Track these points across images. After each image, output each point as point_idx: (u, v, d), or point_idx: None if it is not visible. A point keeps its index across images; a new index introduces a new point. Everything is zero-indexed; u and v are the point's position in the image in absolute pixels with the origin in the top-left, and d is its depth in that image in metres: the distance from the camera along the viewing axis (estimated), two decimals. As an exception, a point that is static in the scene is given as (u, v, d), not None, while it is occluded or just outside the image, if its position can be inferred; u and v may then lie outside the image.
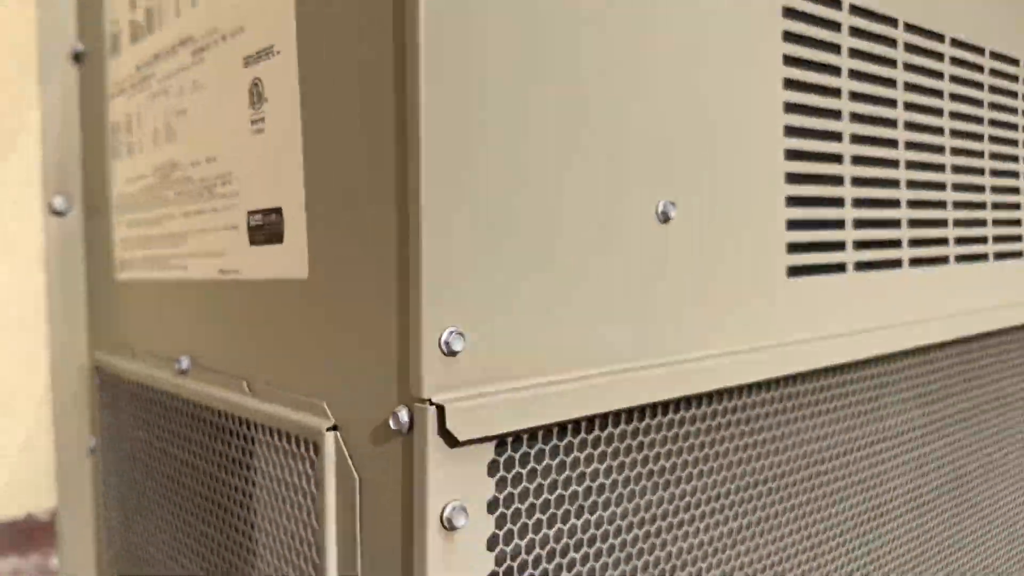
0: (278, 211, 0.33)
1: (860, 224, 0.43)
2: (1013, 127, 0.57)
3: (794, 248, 0.39)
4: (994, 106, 0.54)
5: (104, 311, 0.51)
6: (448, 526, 0.26)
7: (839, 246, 0.42)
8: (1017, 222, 0.58)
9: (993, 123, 0.55)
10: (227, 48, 0.36)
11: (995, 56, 0.54)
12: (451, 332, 0.26)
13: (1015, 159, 0.58)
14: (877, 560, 0.47)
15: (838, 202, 0.42)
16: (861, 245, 0.43)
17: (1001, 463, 0.60)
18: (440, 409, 0.26)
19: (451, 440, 0.26)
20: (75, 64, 0.52)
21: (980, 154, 0.53)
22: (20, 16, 0.51)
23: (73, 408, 0.52)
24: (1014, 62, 0.57)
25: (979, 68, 0.53)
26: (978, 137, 0.53)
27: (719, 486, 0.36)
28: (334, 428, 0.30)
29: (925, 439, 0.51)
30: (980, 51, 0.53)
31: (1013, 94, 0.57)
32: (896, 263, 0.46)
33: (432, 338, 0.26)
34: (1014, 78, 0.57)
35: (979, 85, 0.53)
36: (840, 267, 0.42)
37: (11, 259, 0.51)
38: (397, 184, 0.27)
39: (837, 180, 0.41)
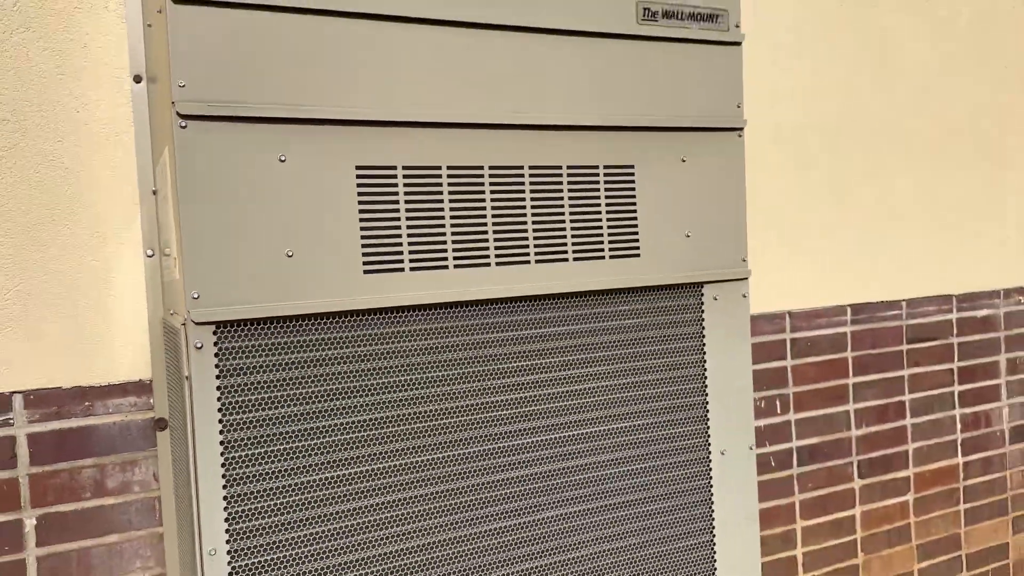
0: (178, 260, 1.01)
1: (412, 255, 1.03)
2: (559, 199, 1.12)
3: (368, 262, 1.00)
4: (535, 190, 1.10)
5: (163, 298, 1.22)
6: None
7: (399, 262, 1.02)
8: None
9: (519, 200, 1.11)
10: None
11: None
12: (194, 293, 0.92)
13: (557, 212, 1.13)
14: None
15: (397, 246, 1.02)
16: (414, 260, 1.03)
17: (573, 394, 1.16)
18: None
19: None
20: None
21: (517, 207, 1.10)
22: (121, 143, 1.23)
23: (157, 336, 1.24)
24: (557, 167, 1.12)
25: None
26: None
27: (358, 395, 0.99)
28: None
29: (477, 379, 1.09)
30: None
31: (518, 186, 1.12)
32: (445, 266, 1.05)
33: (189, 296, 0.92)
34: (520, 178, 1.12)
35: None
36: (400, 268, 1.02)
37: (132, 277, 1.24)
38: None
39: (396, 237, 1.02)
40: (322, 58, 0.97)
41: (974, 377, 2.11)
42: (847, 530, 1.92)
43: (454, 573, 1.08)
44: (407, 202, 1.03)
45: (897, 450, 1.99)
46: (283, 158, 0.96)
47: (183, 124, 0.91)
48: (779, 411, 1.81)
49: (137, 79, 1.22)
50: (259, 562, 0.97)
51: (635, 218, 1.19)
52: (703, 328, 1.26)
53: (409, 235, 1.03)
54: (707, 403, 1.27)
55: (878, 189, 1.94)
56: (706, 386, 1.27)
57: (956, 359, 2.08)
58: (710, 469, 1.27)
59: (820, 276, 1.87)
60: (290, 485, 0.98)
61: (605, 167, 1.16)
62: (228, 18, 0.93)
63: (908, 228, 1.99)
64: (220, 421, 0.94)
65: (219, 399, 0.94)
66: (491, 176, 1.08)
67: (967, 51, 2.06)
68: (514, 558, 1.12)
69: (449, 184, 1.05)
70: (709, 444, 1.27)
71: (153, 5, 1.06)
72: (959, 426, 2.09)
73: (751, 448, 1.30)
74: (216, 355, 0.94)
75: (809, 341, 1.85)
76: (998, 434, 2.15)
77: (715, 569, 1.28)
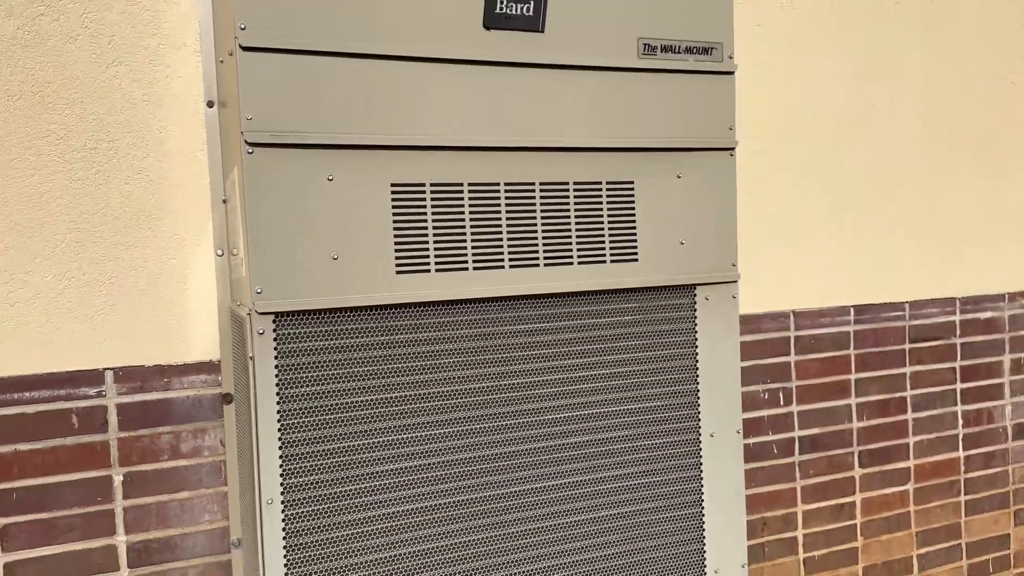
0: (244, 261, 1.22)
1: (437, 258, 1.22)
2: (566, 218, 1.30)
3: (399, 264, 1.19)
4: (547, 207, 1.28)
5: (230, 291, 1.43)
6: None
7: (426, 264, 1.21)
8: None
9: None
10: (237, 212, 1.25)
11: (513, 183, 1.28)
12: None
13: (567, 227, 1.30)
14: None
15: (424, 253, 1.21)
16: (439, 263, 1.22)
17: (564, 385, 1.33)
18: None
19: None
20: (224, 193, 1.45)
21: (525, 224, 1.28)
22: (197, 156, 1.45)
23: (225, 323, 1.46)
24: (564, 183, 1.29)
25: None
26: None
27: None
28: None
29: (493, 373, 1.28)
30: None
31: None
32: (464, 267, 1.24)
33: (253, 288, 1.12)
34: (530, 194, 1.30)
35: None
36: (427, 270, 1.21)
37: (205, 273, 1.46)
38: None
39: (423, 243, 1.21)
40: (362, 94, 1.17)
41: (976, 376, 2.22)
42: (847, 515, 2.06)
43: (470, 528, 1.27)
44: (433, 214, 1.22)
45: (898, 442, 2.12)
46: (331, 178, 1.16)
47: (250, 150, 1.12)
48: (782, 403, 1.96)
49: (210, 104, 1.44)
50: (307, 511, 1.17)
51: (634, 227, 1.36)
52: (695, 325, 1.43)
53: (435, 241, 1.22)
54: (698, 391, 1.43)
55: (882, 197, 2.07)
56: (698, 376, 1.43)
57: (959, 358, 2.20)
58: (700, 449, 1.44)
59: (825, 279, 2.01)
60: (334, 448, 1.18)
61: (608, 183, 1.34)
62: (286, 62, 1.13)
63: (912, 234, 2.12)
64: (277, 394, 1.15)
65: (276, 376, 1.15)
66: (506, 191, 1.27)
67: (971, 60, 2.18)
68: (527, 518, 1.31)
69: (470, 198, 1.24)
70: (700, 427, 1.44)
71: (225, 47, 1.27)
72: (960, 422, 2.21)
73: (738, 432, 1.47)
74: (275, 340, 1.14)
75: (812, 339, 1.99)
76: (1000, 430, 2.27)
77: (704, 537, 1.45)
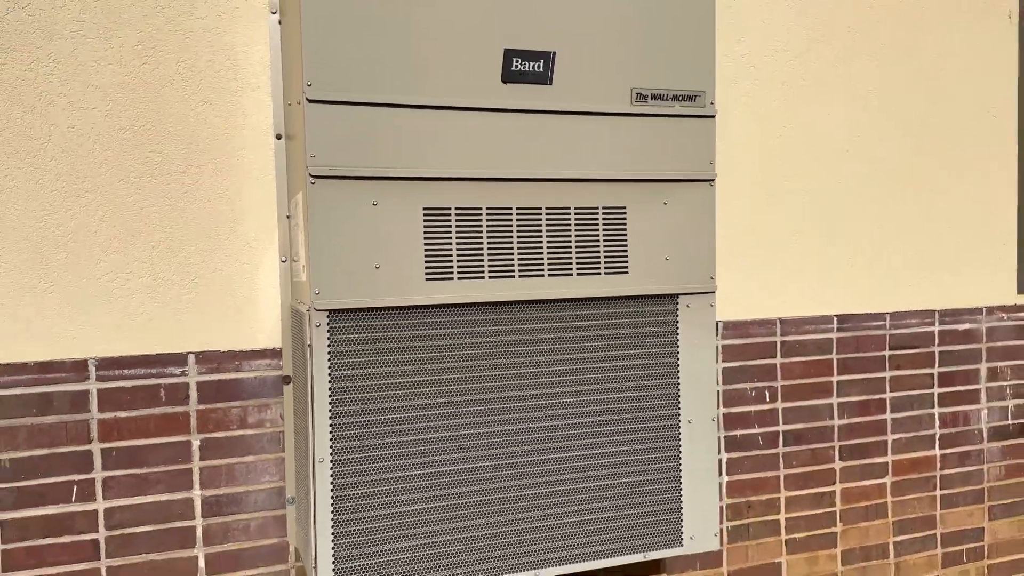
0: (304, 267, 1.51)
1: (460, 269, 1.50)
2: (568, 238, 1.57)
3: (428, 273, 1.48)
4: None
5: (291, 291, 1.73)
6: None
7: (450, 273, 1.49)
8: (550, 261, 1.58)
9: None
10: (299, 228, 1.55)
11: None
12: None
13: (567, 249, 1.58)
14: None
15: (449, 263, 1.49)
16: (460, 272, 1.50)
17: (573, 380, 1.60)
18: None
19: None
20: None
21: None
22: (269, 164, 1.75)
23: (286, 317, 1.76)
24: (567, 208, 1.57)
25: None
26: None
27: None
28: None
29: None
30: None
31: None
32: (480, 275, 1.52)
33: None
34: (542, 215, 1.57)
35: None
36: (451, 278, 1.49)
37: (270, 276, 1.76)
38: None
39: (448, 256, 1.49)
40: (402, 136, 1.46)
41: (954, 382, 2.45)
42: (827, 502, 2.30)
43: (484, 490, 1.55)
44: (457, 232, 1.50)
45: (877, 439, 2.35)
46: (375, 203, 1.45)
47: (313, 181, 1.41)
48: (768, 400, 2.21)
49: (278, 136, 1.74)
50: (351, 469, 1.46)
51: (625, 245, 1.63)
52: (677, 329, 1.69)
53: (458, 255, 1.50)
54: (679, 384, 1.70)
55: (867, 219, 2.30)
56: (678, 372, 1.70)
57: (937, 365, 2.42)
58: (680, 434, 1.71)
59: (810, 290, 2.25)
60: (373, 420, 1.47)
61: (603, 208, 1.61)
62: (342, 111, 1.42)
63: (895, 252, 2.35)
64: (329, 375, 1.44)
65: (329, 360, 1.44)
66: (517, 214, 1.55)
67: (958, 97, 2.40)
68: (534, 483, 1.58)
69: (487, 220, 1.52)
70: (679, 415, 1.71)
71: (292, 94, 1.57)
72: (938, 423, 2.43)
73: (713, 420, 1.73)
74: (328, 331, 1.44)
75: (797, 343, 2.24)
76: (976, 432, 2.49)
77: (681, 508, 1.71)
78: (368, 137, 1.44)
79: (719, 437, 2.16)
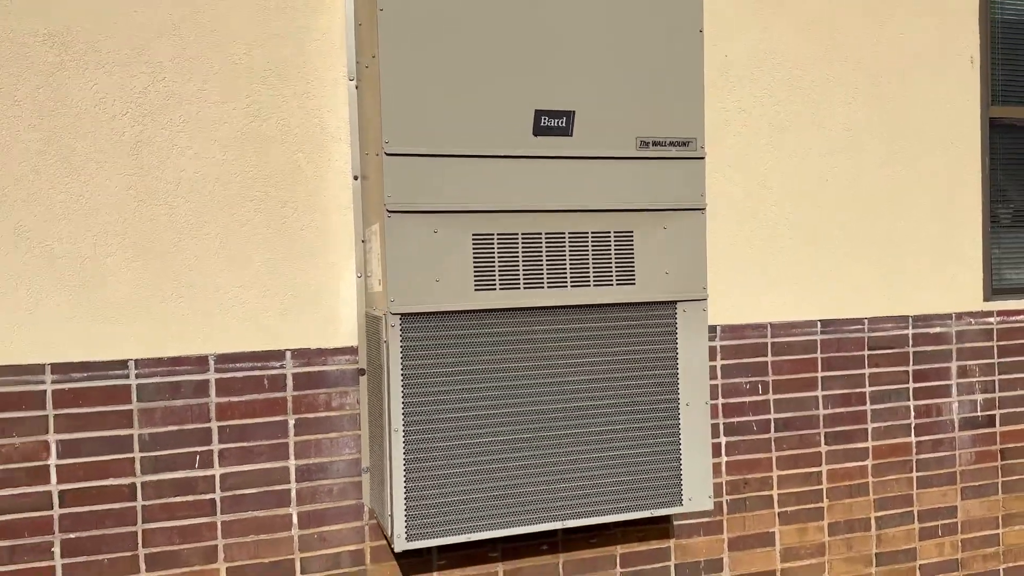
0: (381, 281, 1.95)
1: (500, 282, 1.93)
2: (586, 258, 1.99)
3: (476, 285, 1.91)
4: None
5: (365, 300, 2.17)
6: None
7: (493, 285, 1.92)
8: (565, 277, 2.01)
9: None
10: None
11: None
12: (392, 301, 1.86)
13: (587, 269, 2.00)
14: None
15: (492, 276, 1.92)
16: (501, 284, 1.93)
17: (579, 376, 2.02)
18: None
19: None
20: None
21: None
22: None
23: (362, 322, 2.19)
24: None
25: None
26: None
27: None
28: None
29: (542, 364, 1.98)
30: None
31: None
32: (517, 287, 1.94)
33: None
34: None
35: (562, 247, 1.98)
36: (493, 288, 1.92)
37: (350, 288, 2.20)
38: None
39: (491, 271, 1.92)
40: (458, 178, 1.89)
41: (927, 378, 2.82)
42: (815, 481, 2.68)
43: (527, 455, 1.97)
44: (498, 253, 1.93)
45: (858, 427, 2.73)
46: (436, 231, 1.88)
47: (389, 215, 1.85)
48: (761, 392, 2.60)
49: (356, 178, 2.19)
50: (419, 438, 1.89)
51: (632, 262, 2.05)
52: (676, 329, 2.10)
53: (499, 270, 1.93)
54: (677, 374, 2.10)
55: (847, 236, 2.69)
56: (677, 363, 2.10)
57: (911, 364, 2.80)
58: (679, 413, 2.11)
59: (796, 298, 2.64)
60: (435, 399, 1.90)
61: (615, 232, 2.03)
62: (411, 160, 1.86)
63: (872, 265, 2.73)
64: (401, 364, 1.88)
65: (401, 354, 1.88)
66: (546, 238, 1.97)
67: (924, 131, 2.79)
68: (565, 451, 2.00)
69: (522, 243, 1.95)
70: (678, 398, 2.11)
71: (371, 148, 2.01)
72: (913, 414, 2.80)
73: (706, 403, 2.13)
74: (400, 330, 1.87)
75: (786, 344, 2.63)
76: (948, 422, 2.85)
77: (681, 474, 2.11)
78: (430, 180, 1.88)
79: (719, 424, 2.56)
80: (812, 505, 2.69)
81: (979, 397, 2.89)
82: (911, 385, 2.80)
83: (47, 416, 1.99)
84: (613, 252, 2.04)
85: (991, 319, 2.91)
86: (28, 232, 1.97)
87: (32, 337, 1.98)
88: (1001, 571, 2.95)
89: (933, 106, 2.81)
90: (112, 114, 2.02)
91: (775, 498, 2.64)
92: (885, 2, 2.74)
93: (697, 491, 2.13)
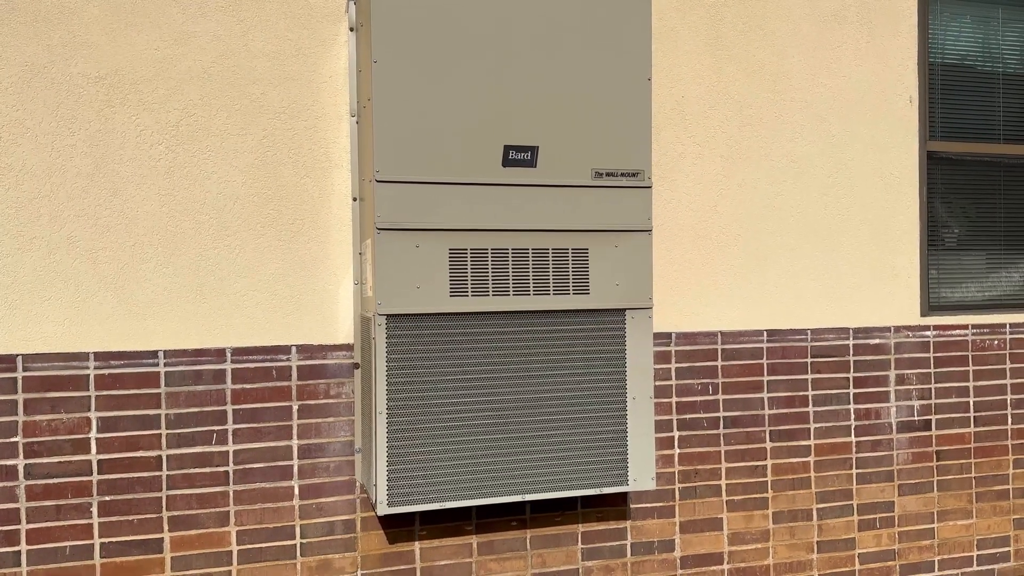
0: (371, 287, 2.32)
1: (472, 289, 2.28)
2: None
3: (451, 292, 2.26)
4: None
5: (360, 304, 2.53)
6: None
7: (466, 292, 2.28)
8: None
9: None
10: (368, 261, 2.36)
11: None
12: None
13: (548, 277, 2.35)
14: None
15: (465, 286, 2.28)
16: (473, 292, 2.28)
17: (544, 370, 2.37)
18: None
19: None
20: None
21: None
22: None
23: (357, 322, 2.56)
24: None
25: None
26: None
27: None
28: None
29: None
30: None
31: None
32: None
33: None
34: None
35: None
36: (467, 295, 2.28)
37: (347, 295, 2.57)
38: (374, 286, 2.24)
39: (464, 280, 2.27)
40: (438, 202, 2.25)
41: (866, 384, 3.14)
42: (760, 473, 3.01)
43: (494, 436, 2.32)
44: (471, 265, 2.29)
45: (801, 426, 3.06)
46: (418, 245, 2.25)
47: (379, 232, 2.22)
48: (711, 392, 2.94)
49: (354, 199, 2.56)
50: (401, 419, 2.25)
51: (587, 275, 2.40)
52: (624, 333, 2.45)
53: (471, 280, 2.29)
54: (625, 371, 2.45)
55: (791, 255, 3.03)
56: (625, 362, 2.45)
57: (852, 371, 3.12)
58: (626, 406, 2.45)
59: (744, 310, 2.98)
60: (413, 387, 2.26)
61: (572, 249, 2.39)
62: (398, 186, 2.23)
63: (815, 280, 3.06)
64: (387, 356, 2.23)
65: (386, 348, 2.24)
66: (512, 253, 2.33)
67: (862, 163, 3.12)
68: (528, 435, 2.34)
69: (492, 257, 2.31)
70: (626, 393, 2.45)
71: (365, 174, 2.38)
72: (853, 416, 3.13)
73: (650, 397, 2.47)
74: (386, 329, 2.23)
75: (735, 350, 2.97)
76: (887, 425, 3.17)
77: (627, 459, 2.45)
78: (414, 203, 2.24)
79: (673, 419, 2.90)
80: (758, 495, 3.01)
81: (916, 403, 3.21)
82: (851, 390, 3.12)
83: (90, 396, 2.37)
84: (571, 266, 2.39)
85: (928, 332, 3.23)
86: (78, 241, 2.35)
87: (79, 329, 2.36)
88: (936, 562, 3.25)
89: (874, 141, 3.15)
90: (150, 143, 2.41)
91: (723, 487, 2.97)
92: (831, 48, 3.09)
93: (641, 473, 2.47)
